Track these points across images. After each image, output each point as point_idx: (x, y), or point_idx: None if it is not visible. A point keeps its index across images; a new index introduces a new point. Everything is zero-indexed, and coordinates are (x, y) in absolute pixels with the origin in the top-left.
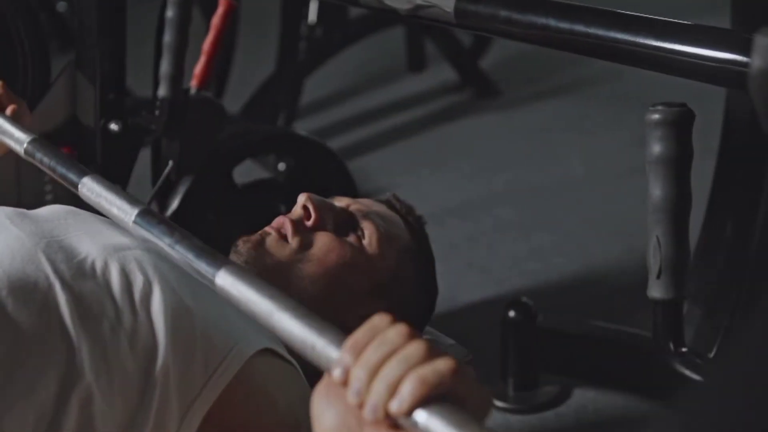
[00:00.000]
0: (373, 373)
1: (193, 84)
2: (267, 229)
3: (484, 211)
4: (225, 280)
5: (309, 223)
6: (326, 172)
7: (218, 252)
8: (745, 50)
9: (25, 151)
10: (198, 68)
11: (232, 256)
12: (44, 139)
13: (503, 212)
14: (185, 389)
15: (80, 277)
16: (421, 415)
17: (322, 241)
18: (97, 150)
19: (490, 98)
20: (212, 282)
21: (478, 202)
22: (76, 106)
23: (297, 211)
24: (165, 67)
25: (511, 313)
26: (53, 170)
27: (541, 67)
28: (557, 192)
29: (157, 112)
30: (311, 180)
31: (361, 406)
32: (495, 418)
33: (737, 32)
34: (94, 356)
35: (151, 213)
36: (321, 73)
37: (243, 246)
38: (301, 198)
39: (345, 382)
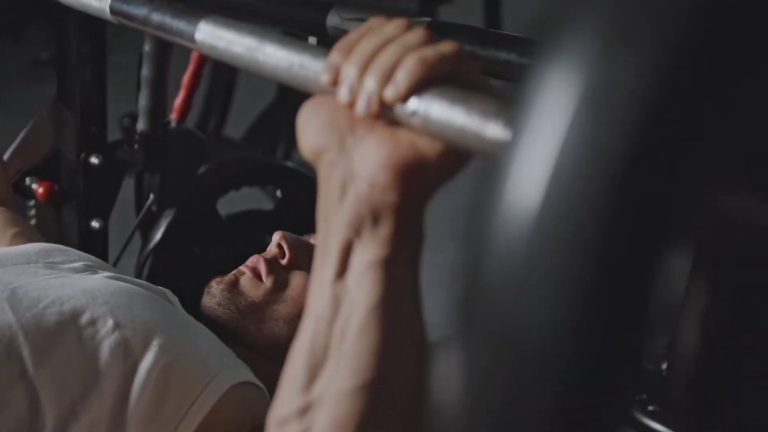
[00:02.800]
0: (366, 64)
1: (173, 117)
2: (241, 268)
3: None
4: (204, 33)
5: (284, 261)
6: (314, 204)
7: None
8: None
9: None
10: (178, 101)
11: (205, 298)
12: None
13: None
14: (158, 430)
15: (45, 324)
16: (419, 101)
17: (297, 280)
18: (79, 184)
19: None
20: (193, 40)
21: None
22: (58, 140)
23: (272, 249)
24: (143, 101)
25: None
26: None
27: None
28: None
29: (136, 146)
30: (299, 212)
31: (353, 103)
32: None
33: None
34: (59, 407)
35: None
36: None
37: (216, 287)
38: (276, 236)
39: (335, 83)
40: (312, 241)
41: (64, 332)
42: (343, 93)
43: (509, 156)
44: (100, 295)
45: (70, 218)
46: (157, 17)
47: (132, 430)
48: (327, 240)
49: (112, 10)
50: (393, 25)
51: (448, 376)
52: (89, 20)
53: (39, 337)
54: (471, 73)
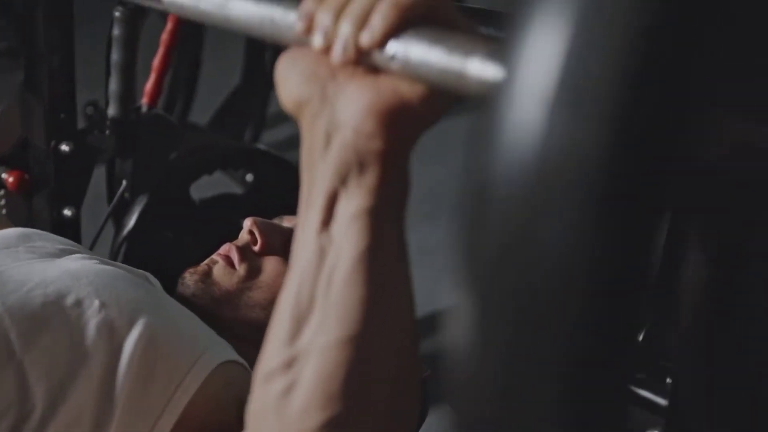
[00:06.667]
0: (340, 10)
1: (145, 101)
2: (214, 257)
3: None
4: None
5: (256, 248)
6: (287, 187)
7: None
8: None
9: None
10: (148, 85)
11: (180, 289)
12: None
13: None
14: (146, 411)
15: (31, 306)
16: (396, 45)
17: (271, 266)
18: (50, 172)
19: (460, 101)
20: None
21: (452, 206)
22: (27, 128)
23: (243, 236)
24: (113, 85)
25: None
26: None
27: None
28: None
29: (107, 132)
30: (271, 195)
31: (329, 50)
32: None
33: None
34: (48, 389)
35: None
36: None
37: (190, 278)
38: (247, 222)
39: (309, 30)
40: (284, 223)
41: (50, 314)
42: (317, 40)
43: (507, 87)
44: (84, 276)
45: (41, 207)
46: None
47: (120, 410)
48: (312, 190)
49: None
50: None
51: (454, 316)
52: (56, 7)
53: (25, 320)
54: (449, 11)
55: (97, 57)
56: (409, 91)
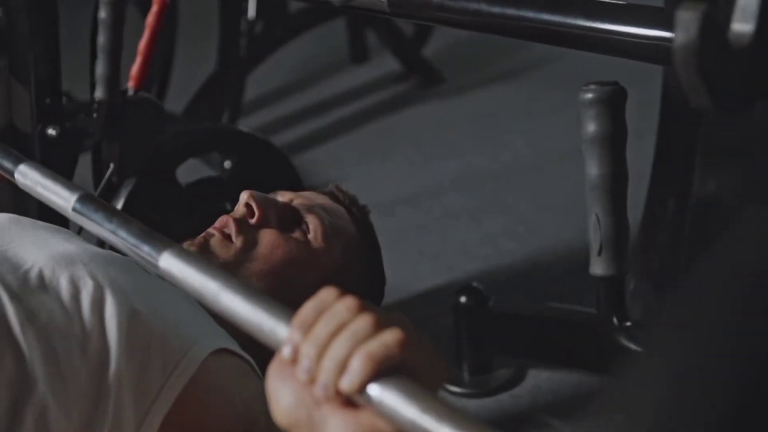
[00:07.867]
0: (322, 349)
1: (131, 85)
2: (211, 230)
3: (433, 198)
4: (169, 263)
5: (252, 220)
6: (270, 168)
7: (161, 235)
8: (671, 27)
9: None
10: (134, 69)
11: None
12: None
13: (453, 199)
14: (142, 393)
15: (27, 287)
16: (373, 390)
17: (267, 238)
18: (36, 156)
19: (435, 86)
20: (156, 266)
21: (428, 190)
22: (12, 113)
23: (240, 209)
24: (100, 69)
25: (463, 299)
26: None
27: (484, 53)
28: (506, 177)
29: (95, 115)
30: (255, 177)
31: (312, 382)
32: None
33: (663, 9)
34: (46, 366)
35: (91, 198)
36: (264, 69)
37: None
38: (244, 196)
39: (295, 360)
40: (280, 198)
41: (47, 293)
42: (301, 374)
43: None
44: (78, 258)
45: (28, 193)
46: (123, 234)
47: (116, 392)
48: None
49: (75, 210)
50: (344, 307)
51: None
52: None
53: (23, 299)
54: (419, 357)
55: (70, 48)
56: (386, 428)
